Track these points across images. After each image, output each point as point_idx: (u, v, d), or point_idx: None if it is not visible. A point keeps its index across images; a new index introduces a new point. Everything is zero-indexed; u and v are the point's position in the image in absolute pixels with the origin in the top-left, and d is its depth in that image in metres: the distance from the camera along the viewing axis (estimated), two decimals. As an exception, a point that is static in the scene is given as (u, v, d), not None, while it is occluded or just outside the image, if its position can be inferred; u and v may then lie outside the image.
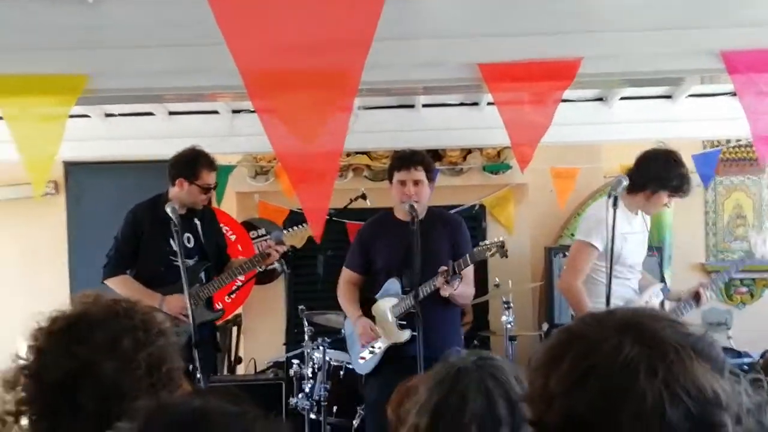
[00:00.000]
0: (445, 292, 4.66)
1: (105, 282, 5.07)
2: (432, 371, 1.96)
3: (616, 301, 4.57)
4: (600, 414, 1.17)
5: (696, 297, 4.75)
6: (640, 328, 1.22)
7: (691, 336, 1.22)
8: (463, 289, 4.78)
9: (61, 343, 1.61)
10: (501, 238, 4.74)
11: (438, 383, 1.88)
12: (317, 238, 4.57)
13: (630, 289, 4.76)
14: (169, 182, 5.16)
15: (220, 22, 3.48)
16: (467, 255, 4.73)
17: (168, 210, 4.81)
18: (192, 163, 5.08)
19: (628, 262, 4.70)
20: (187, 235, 5.07)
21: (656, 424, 1.13)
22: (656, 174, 4.61)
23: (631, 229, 4.71)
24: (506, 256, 4.78)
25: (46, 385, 1.60)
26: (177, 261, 5.01)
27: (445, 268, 4.65)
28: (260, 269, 5.53)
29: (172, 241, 4.95)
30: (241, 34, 3.51)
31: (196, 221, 5.23)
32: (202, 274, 5.24)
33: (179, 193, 5.10)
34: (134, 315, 1.68)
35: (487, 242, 4.76)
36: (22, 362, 1.65)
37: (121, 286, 5.03)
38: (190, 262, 5.09)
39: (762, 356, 5.59)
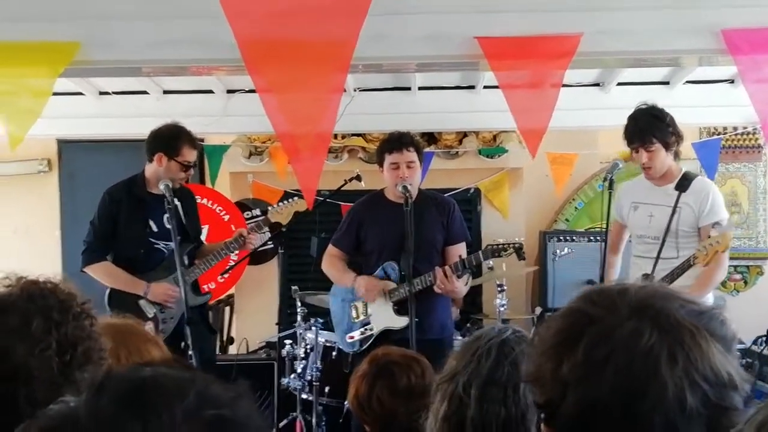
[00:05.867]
0: (438, 289, 4.63)
1: (85, 270, 4.81)
2: (467, 344, 1.99)
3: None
4: (619, 404, 1.15)
5: None
6: (655, 310, 1.19)
7: (703, 315, 1.21)
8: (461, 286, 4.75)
9: None
10: (521, 239, 4.64)
11: (485, 353, 1.91)
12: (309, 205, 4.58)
13: (640, 270, 4.64)
14: (146, 158, 4.89)
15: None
16: (479, 252, 4.69)
17: (161, 187, 4.68)
18: (174, 139, 4.82)
19: (635, 233, 4.77)
20: (165, 215, 4.73)
21: (677, 412, 1.13)
22: None
23: (645, 200, 4.69)
24: (524, 259, 4.71)
25: None
26: (158, 244, 4.89)
27: (455, 262, 4.62)
28: (233, 253, 5.27)
29: (151, 223, 4.82)
30: (239, 5, 3.48)
31: (176, 201, 4.90)
32: (185, 257, 4.95)
33: (158, 169, 4.83)
34: (50, 296, 1.66)
35: (502, 241, 4.68)
36: None
37: (102, 274, 4.81)
38: (172, 244, 4.70)
39: (755, 342, 5.58)
